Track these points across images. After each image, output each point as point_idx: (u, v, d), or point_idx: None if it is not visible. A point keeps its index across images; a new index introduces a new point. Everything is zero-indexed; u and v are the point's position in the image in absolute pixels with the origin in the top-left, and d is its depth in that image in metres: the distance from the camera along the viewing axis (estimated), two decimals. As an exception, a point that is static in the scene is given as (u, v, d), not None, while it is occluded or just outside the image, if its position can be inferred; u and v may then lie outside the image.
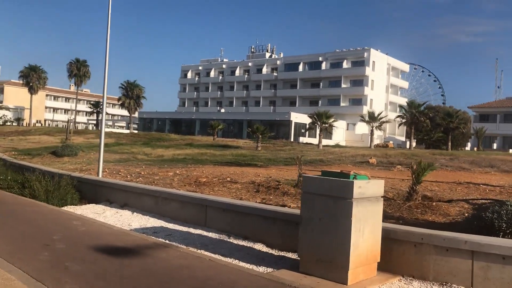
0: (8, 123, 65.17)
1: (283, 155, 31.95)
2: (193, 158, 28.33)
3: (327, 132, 45.93)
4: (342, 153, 33.68)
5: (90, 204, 11.95)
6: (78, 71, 71.19)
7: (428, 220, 9.88)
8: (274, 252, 7.66)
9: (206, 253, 7.40)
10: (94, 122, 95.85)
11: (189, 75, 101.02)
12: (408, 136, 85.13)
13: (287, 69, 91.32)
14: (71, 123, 34.80)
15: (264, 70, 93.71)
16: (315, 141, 65.96)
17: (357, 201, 5.86)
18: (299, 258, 7.22)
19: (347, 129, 76.48)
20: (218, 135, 67.23)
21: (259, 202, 11.61)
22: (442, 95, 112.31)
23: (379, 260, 6.32)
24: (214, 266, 6.42)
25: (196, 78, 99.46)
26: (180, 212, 9.83)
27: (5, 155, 22.78)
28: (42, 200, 12.21)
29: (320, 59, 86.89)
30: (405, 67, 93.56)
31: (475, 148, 58.53)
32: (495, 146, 64.77)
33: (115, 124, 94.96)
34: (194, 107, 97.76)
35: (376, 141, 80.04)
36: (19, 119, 72.20)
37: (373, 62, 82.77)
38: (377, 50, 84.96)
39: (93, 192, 12.59)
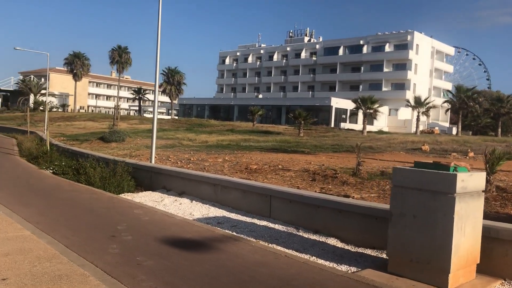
0: (54, 109, 66.93)
1: (328, 141, 31.15)
2: (237, 144, 28.01)
3: (372, 118, 44.52)
4: (390, 140, 32.54)
5: (147, 192, 11.74)
6: (120, 58, 72.18)
7: (511, 214, 9.06)
8: (351, 248, 7.10)
9: (279, 247, 6.93)
10: (136, 108, 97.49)
11: (227, 61, 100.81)
12: (454, 122, 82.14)
13: (326, 53, 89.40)
14: (117, 111, 35.10)
15: (303, 54, 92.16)
16: (356, 127, 64.57)
17: (460, 196, 5.20)
18: (381, 256, 6.66)
19: (389, 115, 74.39)
20: (256, 121, 66.94)
21: (319, 192, 11.08)
22: (488, 79, 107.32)
23: (478, 262, 5.66)
24: (293, 264, 5.94)
25: (234, 64, 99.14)
26: (242, 201, 9.41)
27: (56, 141, 23.11)
28: (98, 187, 12.10)
29: (361, 42, 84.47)
30: (450, 50, 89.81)
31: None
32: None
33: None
34: (232, 93, 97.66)
35: (420, 127, 77.65)
36: (64, 105, 74.13)
37: (417, 45, 79.77)
38: (421, 33, 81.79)
39: (148, 179, 12.38)
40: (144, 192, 11.70)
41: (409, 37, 78.53)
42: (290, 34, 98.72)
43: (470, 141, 32.78)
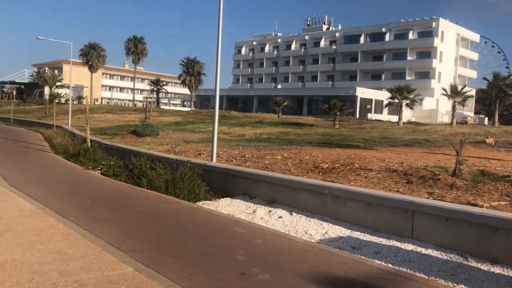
0: (69, 102, 65.45)
1: (374, 134, 29.10)
2: (279, 138, 26.11)
3: (408, 108, 42.31)
4: (437, 132, 30.38)
5: (226, 199, 9.88)
6: (136, 49, 70.38)
7: None
8: None
9: (472, 290, 5.04)
10: (150, 100, 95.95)
11: (243, 51, 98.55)
12: (477, 111, 79.44)
13: (346, 41, 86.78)
14: (148, 102, 33.29)
15: (322, 43, 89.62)
16: (382, 117, 62.34)
17: None
18: None
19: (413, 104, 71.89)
20: (276, 112, 64.87)
21: (430, 198, 9.16)
22: (507, 67, 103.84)
23: None
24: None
25: (250, 54, 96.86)
26: (366, 216, 7.51)
27: (96, 137, 21.29)
28: (164, 192, 10.29)
29: (383, 30, 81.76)
30: (475, 37, 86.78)
31: None
32: None
33: (171, 102, 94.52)
34: (249, 84, 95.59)
35: (445, 117, 75.21)
36: (79, 98, 72.60)
37: (442, 32, 76.98)
38: (446, 19, 78.99)
39: (222, 183, 10.51)
40: (223, 199, 9.83)
41: (434, 24, 75.74)
42: (308, 23, 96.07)
43: (524, 132, 30.53)
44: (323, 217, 8.07)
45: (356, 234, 7.22)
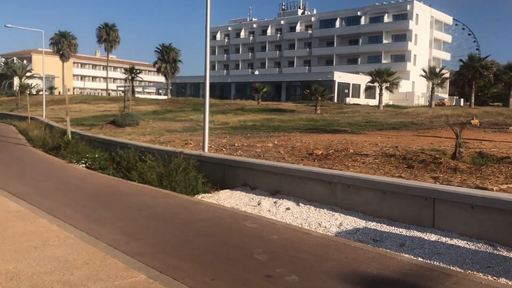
0: (40, 92, 63.25)
1: (358, 118, 28.92)
2: (264, 125, 25.62)
3: (388, 91, 42.35)
4: (420, 114, 30.46)
5: (225, 191, 9.33)
6: (108, 36, 68.32)
7: None
8: None
9: (516, 284, 4.70)
10: (127, 88, 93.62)
11: (218, 36, 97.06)
12: (451, 93, 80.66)
13: (322, 26, 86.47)
14: (127, 91, 32.15)
15: (298, 28, 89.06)
16: (360, 101, 62.57)
17: None
18: None
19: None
20: (255, 98, 64.26)
21: (433, 183, 8.87)
22: (477, 49, 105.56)
23: None
24: None
25: (226, 40, 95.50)
26: (381, 206, 7.12)
27: (73, 128, 20.30)
28: (158, 186, 9.69)
29: (359, 13, 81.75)
30: (449, 19, 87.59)
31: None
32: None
33: (145, 90, 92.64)
34: (225, 70, 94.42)
35: (421, 100, 76.04)
36: (51, 88, 70.20)
37: (417, 14, 77.47)
38: (420, 1, 79.44)
39: (220, 174, 9.96)
40: (222, 191, 9.28)
41: (408, 7, 76.12)
42: (283, 7, 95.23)
43: (504, 113, 30.96)
44: (333, 208, 7.64)
45: (373, 225, 6.82)
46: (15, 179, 10.15)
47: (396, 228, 6.63)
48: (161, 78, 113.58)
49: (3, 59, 77.46)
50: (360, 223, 6.95)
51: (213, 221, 6.79)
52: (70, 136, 15.34)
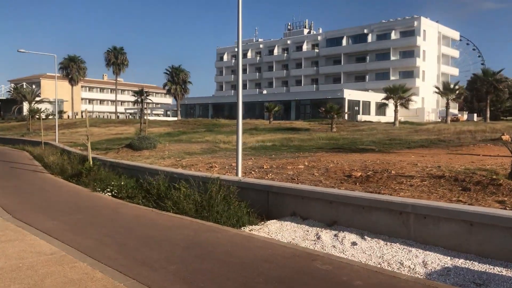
0: (50, 117, 63.04)
1: (379, 136, 28.03)
2: (284, 145, 24.80)
3: (404, 107, 41.54)
4: (441, 131, 29.55)
5: (272, 221, 8.44)
6: (116, 59, 68.49)
7: None
8: None
9: None
10: (131, 111, 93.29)
11: (225, 57, 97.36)
12: (460, 108, 79.72)
13: (329, 44, 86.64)
14: (142, 114, 31.50)
15: (304, 47, 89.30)
16: (370, 118, 61.83)
17: None
18: None
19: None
20: (265, 118, 63.63)
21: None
22: (483, 64, 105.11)
23: None
24: None
25: (233, 60, 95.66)
26: (467, 239, 6.21)
27: (93, 153, 19.53)
28: (192, 216, 8.85)
29: (366, 31, 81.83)
30: (456, 35, 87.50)
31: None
32: None
33: (153, 112, 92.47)
34: (232, 91, 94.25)
35: (431, 116, 75.22)
36: (60, 112, 69.98)
37: (424, 31, 77.44)
38: (427, 18, 79.49)
39: (263, 202, 9.10)
40: (270, 222, 8.39)
41: (415, 23, 76.13)
42: (289, 27, 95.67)
43: (528, 127, 29.97)
44: (406, 241, 6.75)
45: (462, 263, 5.92)
46: (41, 212, 9.34)
47: (492, 267, 5.73)
48: (168, 100, 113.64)
49: (12, 85, 77.58)
50: (446, 260, 6.05)
51: (277, 262, 5.91)
52: (91, 162, 14.57)
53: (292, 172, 14.05)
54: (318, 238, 7.18)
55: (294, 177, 13.24)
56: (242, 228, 8.08)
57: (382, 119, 59.64)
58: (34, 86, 78.20)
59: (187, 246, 6.67)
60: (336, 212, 7.81)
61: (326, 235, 7.31)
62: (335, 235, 7.28)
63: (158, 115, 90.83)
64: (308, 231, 7.60)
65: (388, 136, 27.25)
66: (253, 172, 14.22)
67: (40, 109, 58.18)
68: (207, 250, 6.47)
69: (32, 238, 7.03)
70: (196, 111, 77.53)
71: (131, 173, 13.41)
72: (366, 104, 67.64)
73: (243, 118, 63.32)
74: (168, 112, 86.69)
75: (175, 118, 59.95)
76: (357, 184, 11.88)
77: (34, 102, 58.90)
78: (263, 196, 9.13)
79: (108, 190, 11.87)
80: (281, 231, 7.74)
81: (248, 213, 8.74)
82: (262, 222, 8.46)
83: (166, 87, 58.59)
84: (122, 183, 11.95)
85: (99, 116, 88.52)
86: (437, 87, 45.98)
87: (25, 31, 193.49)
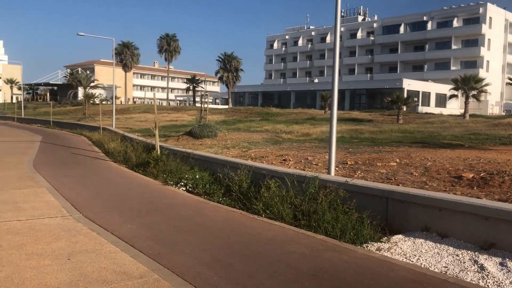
0: (104, 102, 63.65)
1: (457, 129, 25.41)
2: (354, 137, 22.80)
3: (474, 99, 38.32)
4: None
5: (398, 237, 6.69)
6: (169, 46, 68.16)
7: None
8: None
9: None
10: (181, 98, 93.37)
11: (275, 45, 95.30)
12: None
13: (385, 32, 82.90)
14: (202, 101, 30.45)
15: (359, 34, 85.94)
16: (432, 110, 58.32)
17: None
18: None
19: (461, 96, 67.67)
20: (317, 107, 61.37)
21: None
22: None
23: None
24: None
25: (283, 48, 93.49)
26: None
27: (147, 139, 18.44)
28: (289, 223, 7.26)
29: (425, 18, 77.50)
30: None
31: None
32: None
33: (203, 100, 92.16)
34: (282, 79, 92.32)
35: (495, 109, 70.40)
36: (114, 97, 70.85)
37: (490, 18, 72.19)
38: (493, 4, 74.12)
39: (380, 211, 7.34)
40: (396, 238, 6.63)
41: (481, 10, 71.14)
42: (342, 14, 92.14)
43: None
44: None
45: None
46: (114, 211, 8.01)
47: None
48: (215, 88, 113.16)
49: (68, 70, 79.22)
50: None
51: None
52: (159, 152, 13.32)
53: (384, 171, 12.21)
54: (482, 268, 5.37)
55: (390, 176, 11.41)
56: (364, 245, 6.38)
57: (444, 111, 56.12)
58: (88, 72, 79.57)
59: (312, 273, 5.05)
60: (493, 230, 5.95)
61: (489, 263, 5.49)
62: (502, 264, 5.45)
63: (207, 103, 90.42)
64: (458, 256, 5.79)
65: (467, 130, 24.64)
66: (337, 169, 12.47)
67: (95, 94, 58.76)
68: (341, 283, 4.82)
69: (112, 250, 5.64)
70: (246, 99, 76.29)
71: (205, 165, 11.99)
72: (426, 95, 64.05)
73: (294, 107, 61.10)
74: (218, 100, 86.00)
75: (226, 106, 58.88)
76: (475, 188, 9.91)
77: (89, 88, 59.53)
78: (380, 204, 7.37)
79: (182, 184, 10.49)
80: (418, 253, 5.97)
81: (367, 224, 7.02)
82: (385, 238, 6.71)
83: (218, 75, 57.50)
84: (197, 176, 10.53)
85: (150, 102, 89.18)
86: (509, 79, 42.15)
87: (82, 15, 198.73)
